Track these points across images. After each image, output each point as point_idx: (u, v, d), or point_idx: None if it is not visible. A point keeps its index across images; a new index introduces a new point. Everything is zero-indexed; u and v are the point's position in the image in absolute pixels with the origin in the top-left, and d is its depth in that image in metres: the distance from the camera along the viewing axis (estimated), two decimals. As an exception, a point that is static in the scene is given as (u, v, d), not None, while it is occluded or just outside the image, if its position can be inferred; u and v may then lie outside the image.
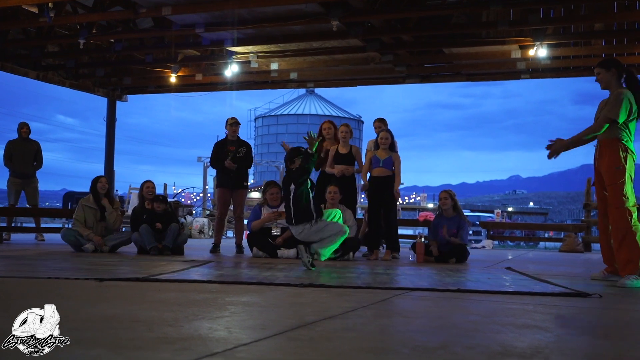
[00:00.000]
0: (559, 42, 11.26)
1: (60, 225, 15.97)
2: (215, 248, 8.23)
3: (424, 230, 11.71)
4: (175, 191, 27.38)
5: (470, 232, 10.50)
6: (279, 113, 56.83)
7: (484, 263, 7.50)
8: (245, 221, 9.23)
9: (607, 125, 4.83)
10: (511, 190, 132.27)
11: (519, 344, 2.28)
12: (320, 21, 10.10)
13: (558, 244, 13.88)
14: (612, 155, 4.84)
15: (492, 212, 33.64)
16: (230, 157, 8.24)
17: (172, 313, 2.80)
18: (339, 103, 59.88)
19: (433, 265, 6.85)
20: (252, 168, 8.47)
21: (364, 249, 8.12)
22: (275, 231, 7.68)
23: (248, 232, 8.04)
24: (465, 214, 8.11)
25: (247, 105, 72.89)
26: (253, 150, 8.57)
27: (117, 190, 19.83)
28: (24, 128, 10.58)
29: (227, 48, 11.90)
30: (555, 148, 5.00)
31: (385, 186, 7.68)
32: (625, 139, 4.83)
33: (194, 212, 20.24)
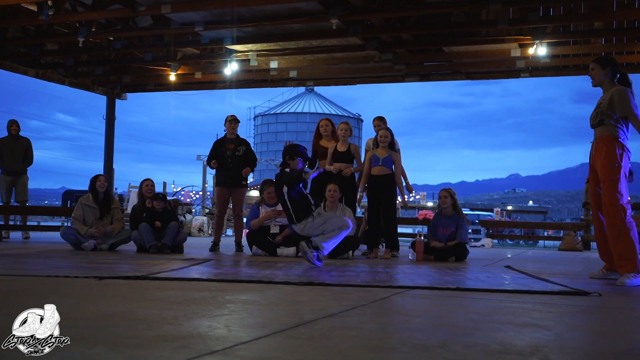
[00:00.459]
0: (558, 41, 11.27)
1: (59, 224, 15.96)
2: (215, 246, 8.24)
3: (424, 229, 11.73)
4: (174, 189, 27.39)
5: (470, 230, 10.48)
6: (278, 111, 56.84)
7: (483, 262, 7.50)
8: (245, 219, 9.24)
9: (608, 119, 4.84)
10: (510, 189, 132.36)
11: (519, 342, 2.28)
12: (319, 19, 10.11)
13: (557, 243, 13.89)
14: (608, 152, 4.85)
15: (492, 210, 33.68)
16: (229, 155, 8.23)
17: (172, 311, 2.80)
18: (338, 101, 59.88)
19: (432, 264, 6.85)
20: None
21: (363, 247, 8.12)
22: (274, 229, 7.68)
23: (247, 230, 8.04)
24: (464, 212, 8.11)
25: (247, 104, 72.88)
26: (252, 149, 8.56)
27: (116, 189, 19.85)
28: (13, 126, 10.55)
29: (227, 46, 11.90)
30: None
31: (384, 185, 7.68)
32: (622, 137, 4.85)
33: (193, 210, 20.25)
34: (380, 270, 5.60)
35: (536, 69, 12.83)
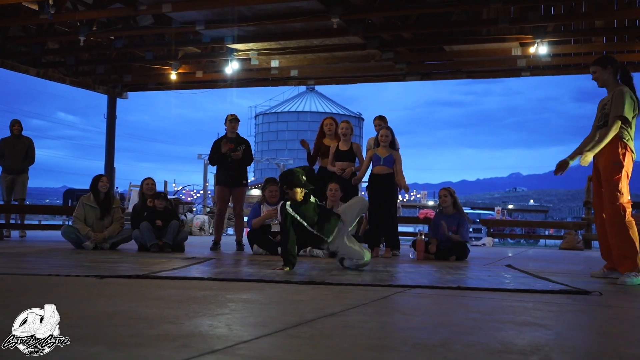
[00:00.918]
0: (559, 40, 11.26)
1: (60, 222, 15.97)
2: (216, 245, 8.24)
3: (424, 228, 11.72)
4: (175, 188, 27.41)
5: (471, 229, 10.46)
6: (279, 110, 56.83)
7: (484, 260, 7.50)
8: (245, 218, 9.24)
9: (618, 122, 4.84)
10: (511, 188, 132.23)
11: (519, 341, 2.28)
12: (320, 18, 10.10)
13: (558, 242, 13.89)
14: (611, 151, 4.86)
15: (493, 209, 33.66)
16: (229, 154, 8.24)
17: (173, 310, 2.80)
18: (339, 100, 59.88)
19: (433, 263, 6.85)
20: (252, 165, 8.51)
21: (364, 246, 8.11)
22: (275, 228, 7.68)
23: (248, 229, 8.04)
24: (465, 211, 8.11)
25: (248, 103, 72.84)
26: (253, 148, 8.58)
27: (117, 188, 19.86)
28: (15, 125, 10.64)
29: (228, 45, 11.90)
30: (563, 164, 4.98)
31: (385, 184, 7.68)
32: (626, 137, 4.85)
33: (194, 209, 20.27)
34: (381, 269, 5.60)
35: (537, 67, 12.81)
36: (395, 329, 2.57)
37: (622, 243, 4.77)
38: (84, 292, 3.52)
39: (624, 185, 4.83)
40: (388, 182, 7.67)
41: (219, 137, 8.77)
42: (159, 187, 9.15)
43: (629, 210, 4.82)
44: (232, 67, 12.79)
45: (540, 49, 10.77)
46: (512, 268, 6.13)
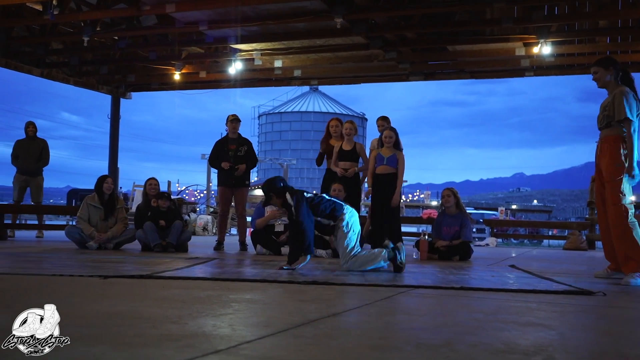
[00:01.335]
0: (563, 40, 11.24)
1: (64, 222, 16.00)
2: (219, 245, 8.24)
3: (428, 228, 11.72)
4: (179, 188, 27.42)
5: (474, 229, 10.48)
6: (282, 110, 56.84)
7: (487, 261, 7.49)
8: (249, 219, 9.24)
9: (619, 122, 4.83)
10: (515, 188, 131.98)
11: (523, 341, 2.28)
12: (323, 18, 10.10)
13: (562, 242, 13.86)
14: (613, 152, 4.85)
15: (496, 209, 33.62)
16: (231, 155, 8.24)
17: (176, 310, 2.80)
18: (342, 100, 59.87)
19: (436, 263, 6.84)
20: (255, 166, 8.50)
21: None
22: (278, 228, 7.69)
23: (252, 229, 8.04)
24: (468, 211, 8.11)
25: (251, 103, 72.91)
26: (256, 148, 8.59)
27: (121, 188, 19.87)
28: (30, 127, 10.74)
29: (231, 45, 11.91)
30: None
31: (388, 184, 7.68)
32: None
33: (197, 209, 20.27)
34: (384, 270, 5.59)
35: (541, 67, 12.79)
36: (398, 329, 2.57)
37: (625, 244, 4.77)
38: (88, 292, 3.53)
39: (627, 187, 4.83)
40: (391, 182, 7.67)
41: (221, 137, 8.77)
42: (163, 187, 9.16)
43: (631, 211, 4.81)
44: (235, 67, 12.79)
45: (544, 48, 10.75)
46: (516, 268, 6.13)
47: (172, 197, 9.17)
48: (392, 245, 5.31)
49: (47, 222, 11.66)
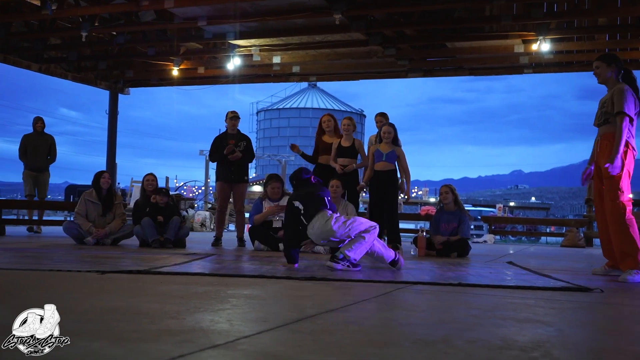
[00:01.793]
0: (562, 37, 11.23)
1: (62, 218, 16.00)
2: (217, 241, 8.25)
3: (426, 225, 11.73)
4: (177, 184, 27.43)
5: (472, 226, 10.49)
6: (281, 106, 56.82)
7: (485, 257, 7.50)
8: (247, 215, 9.24)
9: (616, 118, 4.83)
10: (513, 185, 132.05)
11: (521, 338, 2.28)
12: (322, 14, 10.08)
13: (560, 239, 13.88)
14: (611, 149, 4.83)
15: (494, 206, 33.66)
16: (231, 150, 8.24)
17: (174, 305, 2.80)
18: (341, 97, 59.90)
19: (434, 259, 6.85)
20: (253, 162, 8.52)
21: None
22: (276, 224, 7.69)
23: (250, 225, 8.05)
24: (467, 208, 8.11)
25: (250, 99, 72.90)
26: (254, 144, 8.59)
27: (119, 184, 19.88)
28: (38, 123, 10.78)
29: (230, 41, 11.88)
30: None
31: (387, 180, 7.68)
32: (627, 135, 4.83)
33: (195, 205, 20.27)
34: (382, 266, 5.60)
35: (540, 65, 12.79)
36: (396, 325, 2.57)
37: (622, 241, 4.77)
38: (86, 288, 3.53)
39: (625, 183, 4.83)
40: (390, 178, 7.67)
41: (220, 133, 8.76)
42: (161, 183, 9.16)
43: (629, 208, 4.81)
44: (234, 63, 12.77)
45: (543, 46, 10.74)
46: (514, 265, 6.13)
47: (170, 193, 9.17)
48: None
49: (45, 218, 11.65)
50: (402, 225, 9.16)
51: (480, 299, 3.45)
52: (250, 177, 10.03)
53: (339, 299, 3.19)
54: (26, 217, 11.42)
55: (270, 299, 3.25)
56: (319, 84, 53.43)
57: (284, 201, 7.83)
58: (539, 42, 10.71)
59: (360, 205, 12.00)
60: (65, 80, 14.83)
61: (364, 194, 8.52)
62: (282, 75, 14.88)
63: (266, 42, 12.00)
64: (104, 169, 11.27)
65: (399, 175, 7.87)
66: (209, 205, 18.77)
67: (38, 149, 10.63)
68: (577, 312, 3.15)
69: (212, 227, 15.02)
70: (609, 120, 4.90)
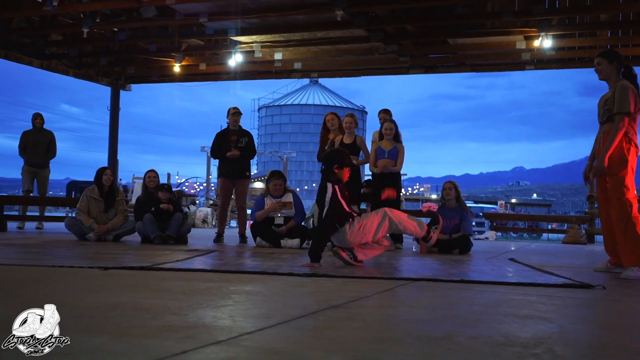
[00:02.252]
0: (564, 33, 11.22)
1: (64, 214, 16.01)
2: (219, 238, 8.25)
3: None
4: (178, 181, 27.43)
5: (474, 223, 10.48)
6: (282, 103, 56.80)
7: (487, 254, 7.50)
8: (249, 211, 9.24)
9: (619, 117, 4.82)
10: (515, 182, 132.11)
11: (523, 334, 2.28)
12: (324, 11, 10.08)
13: (561, 236, 13.88)
14: (616, 147, 4.83)
15: (496, 203, 33.64)
16: (232, 146, 8.24)
17: (176, 302, 2.81)
18: (342, 93, 59.85)
19: (436, 256, 6.85)
20: (255, 158, 8.53)
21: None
22: (278, 220, 7.69)
23: (252, 222, 8.05)
24: (468, 205, 8.11)
25: (251, 95, 72.92)
26: (256, 140, 8.59)
27: (120, 180, 19.88)
28: (37, 119, 10.75)
29: (231, 37, 11.89)
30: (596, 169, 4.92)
31: (388, 177, 7.67)
32: (630, 132, 4.83)
33: (197, 201, 20.28)
34: (384, 262, 5.61)
35: (541, 61, 12.78)
36: (398, 321, 2.58)
37: (628, 238, 4.75)
38: (88, 284, 3.53)
39: (630, 180, 4.82)
40: (391, 175, 7.67)
41: (222, 129, 8.76)
42: (162, 180, 9.17)
43: (635, 205, 4.80)
44: (235, 60, 12.77)
45: (545, 42, 10.73)
46: (515, 262, 6.13)
47: (172, 189, 9.17)
48: None
49: (46, 214, 11.67)
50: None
51: (482, 296, 3.45)
52: (252, 173, 10.02)
53: (341, 295, 3.19)
54: (27, 214, 11.40)
55: (272, 295, 3.25)
56: (321, 81, 53.40)
57: (286, 198, 7.84)
58: (540, 38, 10.70)
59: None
60: (67, 76, 14.83)
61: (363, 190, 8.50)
62: (283, 72, 14.88)
63: (268, 39, 12.00)
64: (106, 165, 11.28)
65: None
66: (211, 202, 18.77)
67: (37, 145, 10.61)
68: (578, 309, 3.14)
69: (213, 223, 15.03)
70: (612, 118, 4.89)
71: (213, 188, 21.79)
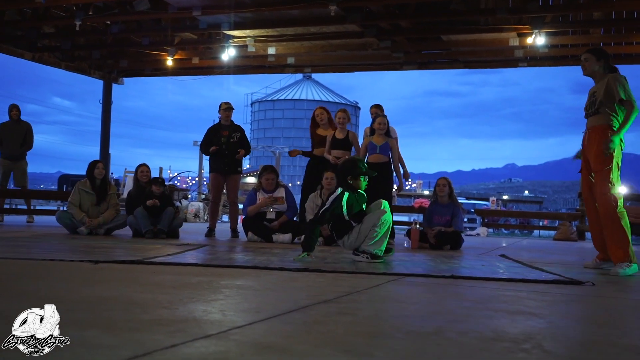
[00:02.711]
0: (557, 31, 11.24)
1: (55, 208, 15.95)
2: (210, 232, 8.24)
3: (419, 217, 11.75)
4: (170, 175, 27.38)
5: (465, 219, 10.54)
6: (275, 98, 56.72)
7: (478, 250, 7.52)
8: (240, 206, 9.23)
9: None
10: (507, 179, 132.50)
11: (512, 329, 2.30)
12: (318, 6, 10.05)
13: (552, 233, 13.95)
14: (601, 142, 4.84)
15: (487, 200, 33.76)
16: (223, 142, 8.22)
17: (167, 295, 2.80)
18: (336, 89, 59.85)
19: (427, 252, 6.87)
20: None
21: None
22: (270, 215, 7.69)
23: (243, 216, 8.05)
24: (460, 201, 8.13)
25: (244, 90, 72.75)
26: (248, 135, 8.57)
27: (112, 174, 19.83)
28: (13, 110, 10.58)
29: (224, 32, 11.84)
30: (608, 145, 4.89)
31: (381, 172, 7.67)
32: (616, 126, 4.83)
33: (189, 196, 20.24)
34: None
35: (534, 58, 12.80)
36: (389, 317, 2.58)
37: (614, 234, 4.79)
38: (79, 277, 3.52)
39: (615, 176, 4.84)
40: (384, 170, 7.67)
41: (214, 124, 8.74)
42: (154, 174, 9.15)
43: (620, 200, 4.83)
44: (228, 54, 12.73)
45: (538, 39, 10.75)
46: (506, 258, 6.15)
47: (165, 183, 9.15)
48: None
49: (37, 207, 11.61)
50: (395, 218, 9.15)
51: (472, 292, 3.46)
52: (244, 168, 10.02)
53: (332, 290, 3.20)
54: (19, 207, 11.32)
55: (263, 290, 3.25)
56: (314, 76, 53.43)
57: (278, 192, 7.84)
58: (534, 35, 10.72)
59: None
60: (59, 69, 14.74)
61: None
62: (276, 67, 14.85)
63: (261, 33, 11.96)
64: (98, 158, 11.21)
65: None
66: (203, 196, 18.74)
67: (13, 137, 10.44)
68: (568, 305, 3.16)
69: (205, 218, 15.00)
70: (599, 111, 4.90)
71: (205, 182, 21.75)
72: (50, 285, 3.15)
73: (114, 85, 16.11)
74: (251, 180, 22.25)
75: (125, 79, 16.31)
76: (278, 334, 2.11)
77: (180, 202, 15.06)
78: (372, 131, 7.97)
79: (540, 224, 19.87)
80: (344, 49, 12.82)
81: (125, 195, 11.77)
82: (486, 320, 2.49)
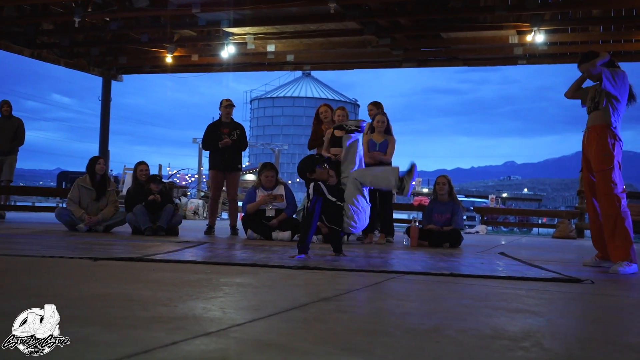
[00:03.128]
0: (556, 28, 11.23)
1: (54, 205, 15.94)
2: (210, 229, 8.24)
3: (419, 215, 11.76)
4: (170, 172, 27.35)
5: (464, 217, 10.55)
6: (274, 95, 56.67)
7: (477, 248, 7.53)
8: (240, 203, 9.23)
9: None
10: (506, 176, 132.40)
11: (511, 327, 2.30)
12: (317, 3, 10.05)
13: (551, 230, 13.94)
14: (600, 142, 4.84)
15: (486, 197, 33.77)
16: (223, 139, 8.22)
17: (167, 293, 2.81)
18: (335, 86, 59.79)
19: (427, 250, 6.87)
20: (246, 150, 8.52)
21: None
22: (269, 213, 7.69)
23: (243, 214, 8.05)
24: (459, 199, 8.12)
25: (243, 87, 72.75)
26: (248, 132, 8.57)
27: (111, 171, 19.81)
28: (4, 106, 10.61)
29: (224, 29, 11.82)
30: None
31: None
32: (615, 126, 4.84)
33: (188, 193, 20.24)
34: (374, 255, 5.62)
35: (533, 56, 12.80)
36: (388, 314, 2.59)
37: (616, 233, 4.77)
38: (78, 274, 3.52)
39: (617, 175, 4.83)
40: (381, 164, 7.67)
41: (213, 121, 8.74)
42: (154, 171, 9.15)
43: (624, 201, 4.82)
44: (228, 51, 12.71)
45: (537, 37, 10.74)
46: (505, 256, 6.16)
47: (163, 180, 9.16)
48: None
49: (37, 204, 11.59)
50: (395, 216, 9.17)
51: (471, 289, 3.46)
52: (244, 165, 10.04)
53: (331, 288, 3.20)
54: (19, 204, 11.30)
55: (263, 288, 3.26)
56: (313, 73, 53.33)
57: (277, 190, 7.84)
58: (533, 33, 10.71)
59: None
60: (58, 66, 14.71)
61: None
62: (276, 64, 14.83)
63: (260, 30, 11.95)
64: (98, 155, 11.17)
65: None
66: (202, 194, 18.74)
67: (4, 132, 10.44)
68: (567, 303, 3.17)
69: (204, 215, 15.00)
70: (598, 107, 4.90)
71: (204, 180, 21.74)
72: (50, 283, 3.15)
73: (113, 82, 16.08)
74: (251, 177, 22.23)
75: (125, 76, 16.28)
76: (278, 331, 2.11)
77: (179, 199, 15.06)
78: (371, 129, 7.96)
79: (540, 221, 19.86)
80: (343, 46, 12.81)
81: (124, 192, 11.77)
82: (485, 318, 2.49)
